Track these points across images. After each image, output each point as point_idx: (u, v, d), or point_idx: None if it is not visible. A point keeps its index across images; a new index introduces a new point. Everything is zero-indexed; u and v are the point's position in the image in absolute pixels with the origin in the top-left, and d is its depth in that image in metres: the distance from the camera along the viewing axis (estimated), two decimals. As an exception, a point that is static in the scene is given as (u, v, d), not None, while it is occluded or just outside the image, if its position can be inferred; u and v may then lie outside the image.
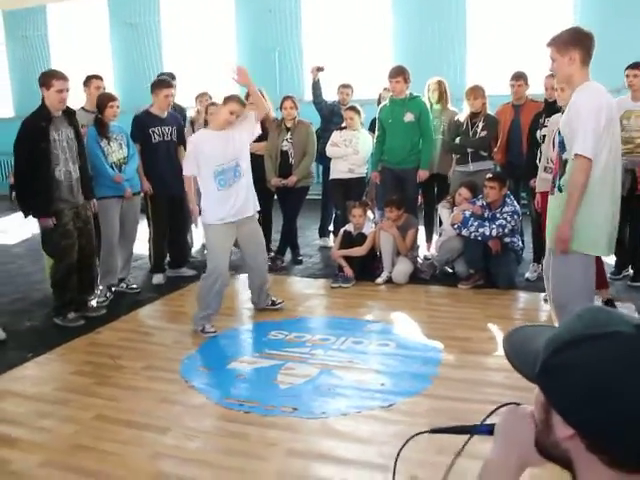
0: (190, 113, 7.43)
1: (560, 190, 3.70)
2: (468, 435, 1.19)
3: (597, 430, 0.85)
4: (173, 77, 6.97)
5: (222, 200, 4.79)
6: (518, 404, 1.12)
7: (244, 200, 4.87)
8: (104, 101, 5.61)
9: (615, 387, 0.82)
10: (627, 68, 5.56)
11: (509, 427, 1.09)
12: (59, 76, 4.89)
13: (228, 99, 4.85)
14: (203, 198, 4.90)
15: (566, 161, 3.64)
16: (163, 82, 6.13)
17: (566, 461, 0.94)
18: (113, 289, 5.78)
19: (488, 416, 1.19)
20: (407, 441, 1.27)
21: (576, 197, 3.54)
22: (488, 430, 1.14)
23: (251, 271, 5.20)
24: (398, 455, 1.28)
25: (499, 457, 1.08)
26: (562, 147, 3.71)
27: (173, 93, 6.79)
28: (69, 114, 5.06)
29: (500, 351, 4.27)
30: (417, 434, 1.26)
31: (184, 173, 4.97)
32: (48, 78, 4.86)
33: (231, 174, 4.78)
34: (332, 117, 7.26)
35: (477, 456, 1.15)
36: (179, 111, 6.95)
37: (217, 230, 4.82)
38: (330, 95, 7.51)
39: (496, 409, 1.18)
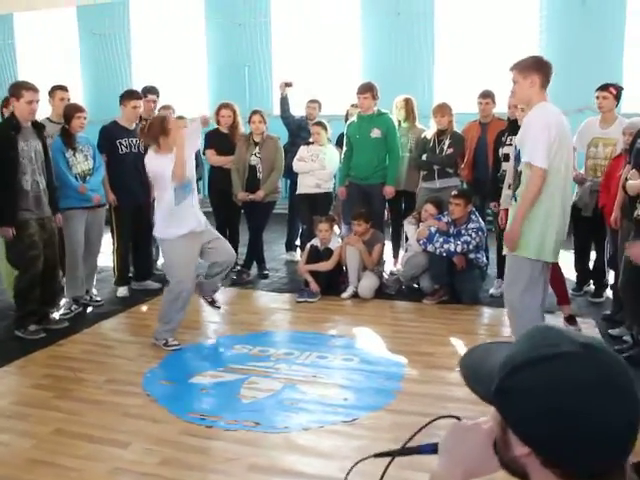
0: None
1: (516, 200, 3.97)
2: (418, 454, 1.20)
3: (551, 448, 0.88)
4: (156, 92, 6.89)
5: (178, 215, 4.62)
6: (459, 418, 1.14)
7: (198, 214, 4.78)
8: (71, 112, 5.57)
9: (566, 407, 0.86)
10: (597, 90, 5.54)
11: (453, 443, 1.11)
12: (29, 87, 4.88)
13: (174, 122, 4.78)
14: (157, 211, 4.81)
15: (521, 172, 3.91)
16: (132, 93, 6.11)
17: (523, 474, 0.97)
18: (80, 302, 5.69)
19: (424, 427, 1.20)
20: (352, 468, 1.29)
21: (528, 201, 3.81)
22: (432, 449, 1.16)
23: (219, 253, 4.89)
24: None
25: (446, 471, 1.10)
26: (518, 160, 4.03)
27: (154, 107, 6.77)
28: (38, 127, 5.06)
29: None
30: (360, 460, 1.27)
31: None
32: (18, 89, 4.86)
33: (188, 189, 4.67)
34: (299, 132, 7.28)
35: (428, 470, 1.17)
36: None
37: (176, 244, 4.65)
38: (298, 110, 7.54)
39: (431, 421, 1.21)
